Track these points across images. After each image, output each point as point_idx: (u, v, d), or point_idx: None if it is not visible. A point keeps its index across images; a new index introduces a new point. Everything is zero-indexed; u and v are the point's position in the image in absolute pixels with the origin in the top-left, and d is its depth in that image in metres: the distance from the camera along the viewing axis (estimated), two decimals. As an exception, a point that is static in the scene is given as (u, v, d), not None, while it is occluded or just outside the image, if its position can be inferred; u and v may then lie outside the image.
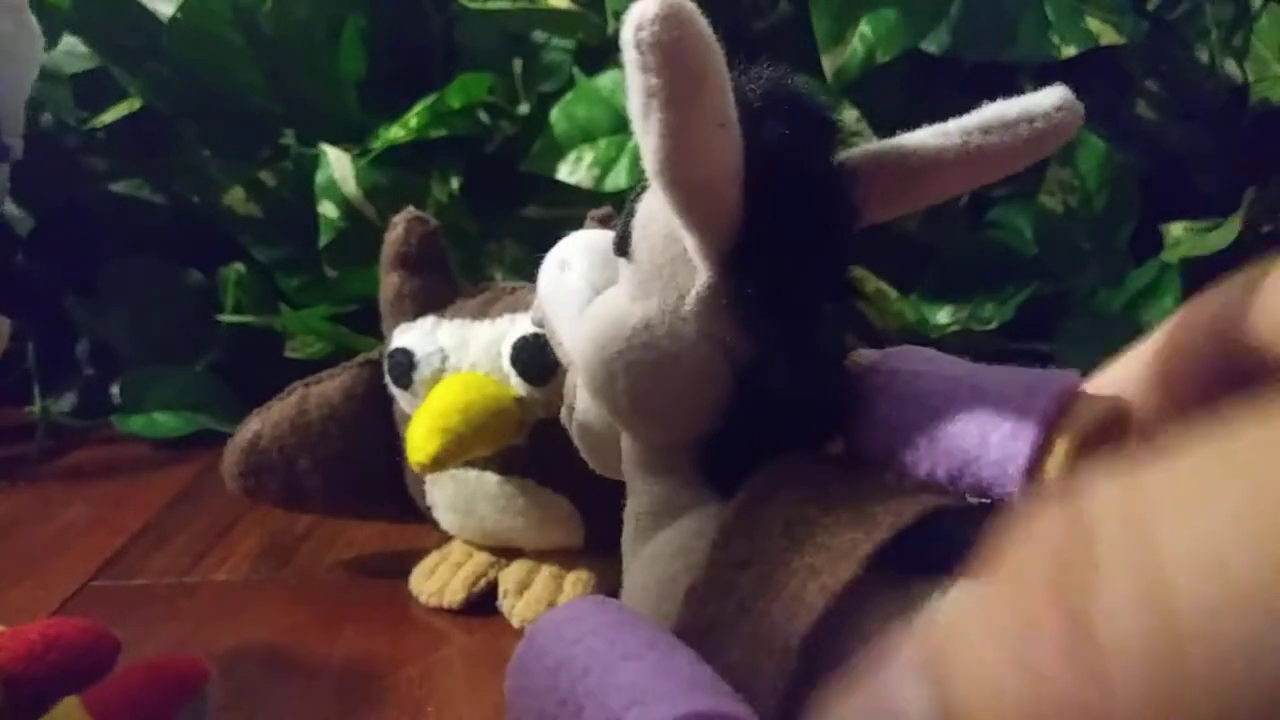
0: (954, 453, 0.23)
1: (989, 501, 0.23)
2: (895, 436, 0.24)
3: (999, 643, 0.13)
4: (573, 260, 0.29)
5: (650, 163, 0.22)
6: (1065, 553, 0.13)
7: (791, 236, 0.23)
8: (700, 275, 0.24)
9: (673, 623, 0.23)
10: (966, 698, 0.13)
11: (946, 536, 0.21)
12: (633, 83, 0.21)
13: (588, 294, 0.28)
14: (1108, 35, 0.63)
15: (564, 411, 0.31)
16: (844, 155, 0.25)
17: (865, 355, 0.27)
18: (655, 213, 0.26)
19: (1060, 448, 0.22)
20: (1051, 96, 0.24)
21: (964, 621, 0.14)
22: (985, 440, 0.23)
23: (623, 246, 0.26)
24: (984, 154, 0.24)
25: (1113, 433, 0.23)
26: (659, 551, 0.26)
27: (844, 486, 0.23)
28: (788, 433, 0.25)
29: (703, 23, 0.21)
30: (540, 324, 0.31)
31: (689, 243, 0.24)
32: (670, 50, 0.20)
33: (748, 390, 0.25)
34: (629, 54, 0.21)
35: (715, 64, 0.21)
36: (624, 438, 0.28)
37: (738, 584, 0.23)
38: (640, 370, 0.25)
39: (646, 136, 0.22)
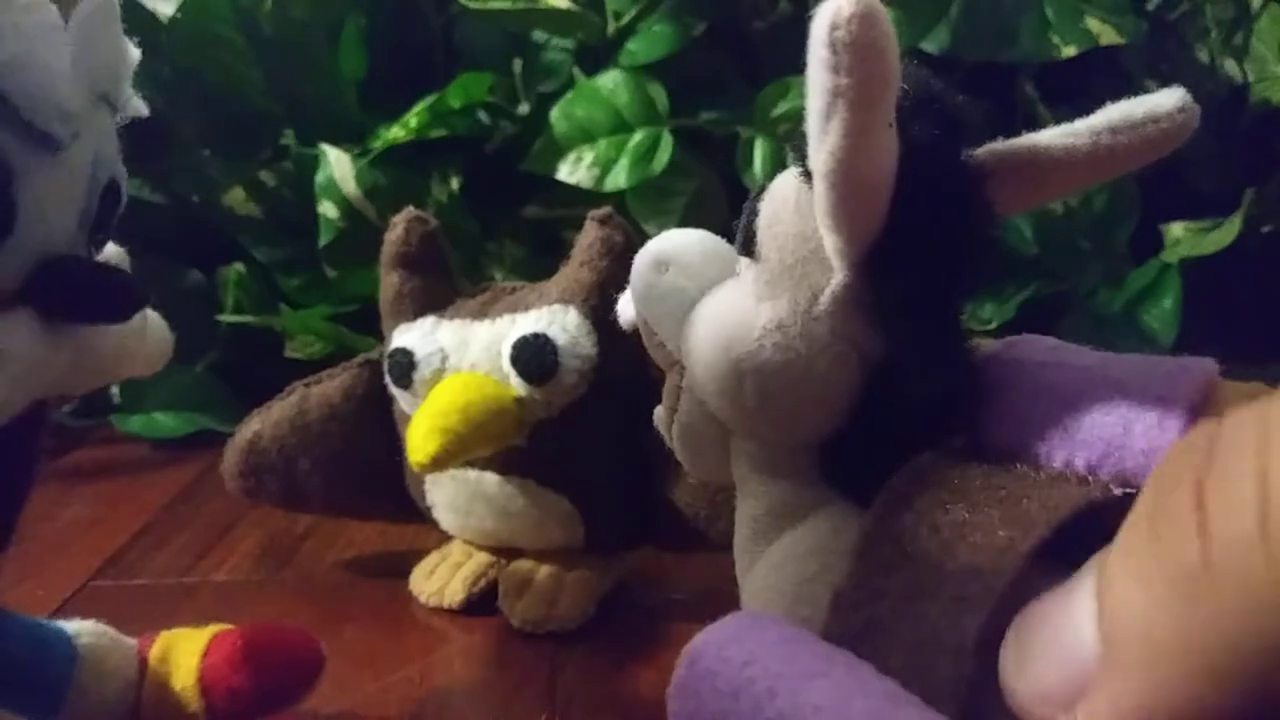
0: (1094, 443, 0.23)
1: (1133, 491, 0.22)
2: (1027, 428, 0.24)
3: (1125, 553, 0.16)
4: (671, 259, 0.29)
5: (825, 162, 0.22)
6: (1193, 468, 0.15)
7: (936, 236, 0.23)
8: (836, 275, 0.24)
9: (819, 628, 0.23)
10: (1109, 610, 0.16)
11: (1098, 529, 0.22)
12: (817, 81, 0.21)
13: (693, 294, 0.28)
14: (1108, 35, 0.63)
15: (661, 414, 0.30)
16: (977, 153, 0.25)
17: (985, 345, 0.26)
18: (781, 212, 0.25)
19: None
20: (1173, 98, 0.24)
21: (1118, 543, 0.16)
22: (1129, 430, 0.22)
23: (748, 246, 0.26)
24: (1112, 153, 0.24)
25: None
26: (790, 553, 0.26)
27: (984, 484, 0.23)
28: (913, 431, 0.25)
29: (890, 22, 0.21)
30: (631, 323, 0.31)
31: (830, 242, 0.24)
32: (865, 50, 0.20)
33: (877, 389, 0.25)
34: (819, 52, 0.20)
35: (897, 65, 0.21)
36: (737, 440, 0.28)
37: (888, 588, 0.22)
38: (771, 371, 0.25)
39: (826, 136, 0.21)
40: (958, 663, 0.20)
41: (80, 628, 0.32)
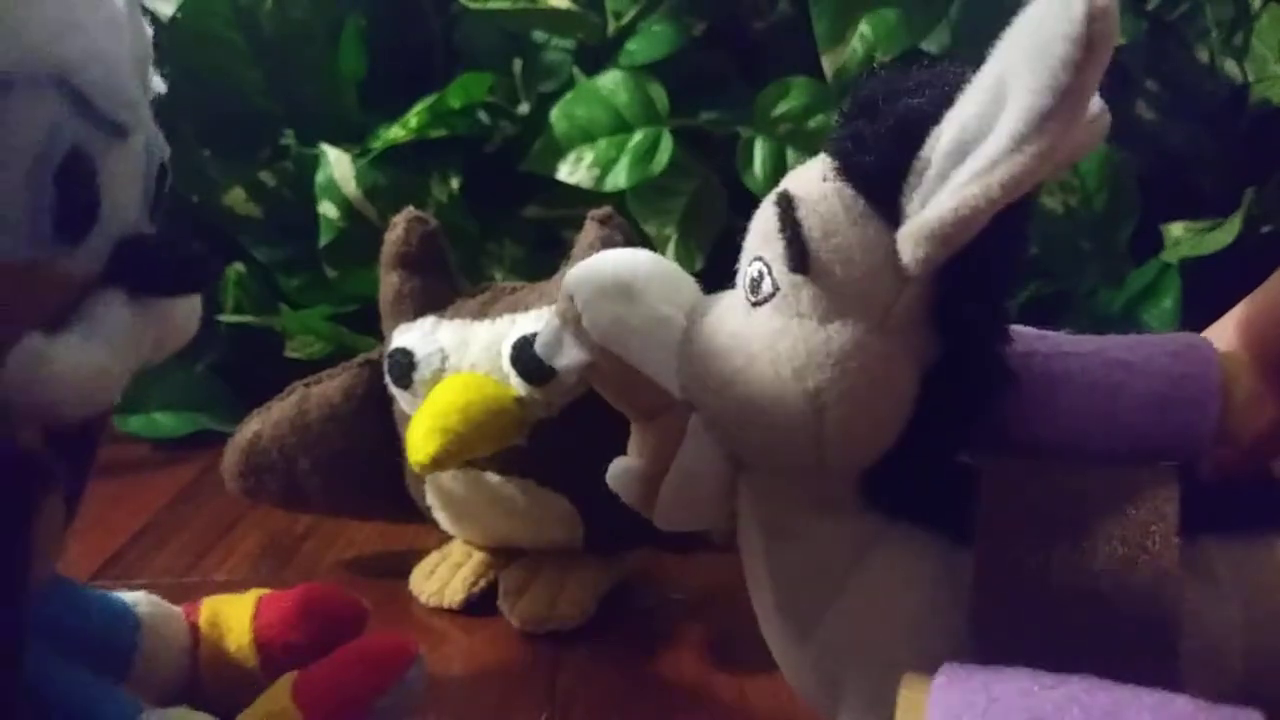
0: (1133, 425, 0.24)
1: (1174, 464, 0.24)
2: (1061, 418, 0.24)
3: None
4: (640, 287, 0.26)
5: (1020, 165, 0.20)
6: None
7: (1011, 234, 0.23)
8: (912, 284, 0.23)
9: (966, 655, 0.22)
10: None
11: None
12: (1052, 80, 0.19)
13: (680, 320, 0.26)
14: (1108, 35, 0.63)
15: (634, 467, 0.28)
16: None
17: None
18: (833, 223, 0.23)
19: (1244, 404, 0.23)
20: (1094, 101, 0.24)
21: None
22: (1162, 410, 0.23)
23: (802, 262, 0.24)
24: (1072, 151, 0.24)
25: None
26: (879, 591, 0.25)
27: (1057, 483, 0.23)
28: (960, 433, 0.24)
29: None
30: (571, 370, 0.28)
31: (923, 250, 0.22)
32: (1111, 46, 0.19)
33: (932, 395, 0.24)
34: (1063, 48, 0.19)
35: None
36: (770, 485, 0.26)
37: (1028, 604, 0.22)
38: (857, 393, 0.23)
39: (1038, 139, 0.19)
40: (1162, 662, 0.21)
41: (136, 598, 0.33)
